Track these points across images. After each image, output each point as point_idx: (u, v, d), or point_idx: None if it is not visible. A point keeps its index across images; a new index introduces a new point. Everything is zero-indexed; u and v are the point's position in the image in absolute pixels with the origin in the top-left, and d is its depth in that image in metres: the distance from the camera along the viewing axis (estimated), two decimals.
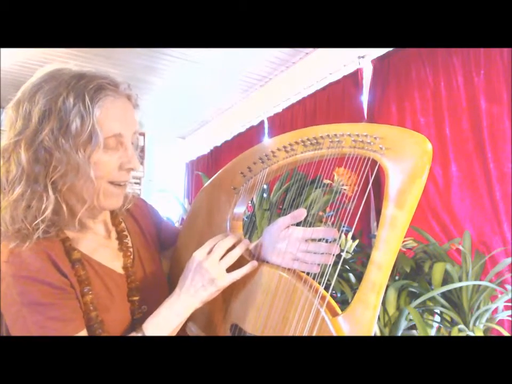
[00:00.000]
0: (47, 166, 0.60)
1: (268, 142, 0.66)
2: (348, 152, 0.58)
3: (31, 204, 0.60)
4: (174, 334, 0.64)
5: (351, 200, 0.62)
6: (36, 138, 0.59)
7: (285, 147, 0.64)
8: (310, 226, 0.66)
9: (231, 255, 0.64)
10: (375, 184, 2.11)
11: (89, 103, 0.59)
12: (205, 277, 0.62)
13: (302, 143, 0.62)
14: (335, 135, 0.58)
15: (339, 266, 0.63)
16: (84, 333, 0.61)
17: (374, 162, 0.56)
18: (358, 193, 0.66)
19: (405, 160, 0.53)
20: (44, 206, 0.60)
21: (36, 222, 0.60)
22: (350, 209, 0.61)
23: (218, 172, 0.73)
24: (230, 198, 0.71)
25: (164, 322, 0.63)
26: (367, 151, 0.56)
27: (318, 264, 0.63)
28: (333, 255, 0.62)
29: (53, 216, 0.62)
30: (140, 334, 0.62)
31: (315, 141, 0.61)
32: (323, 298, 0.59)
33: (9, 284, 0.58)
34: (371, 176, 0.57)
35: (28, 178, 0.60)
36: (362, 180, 0.58)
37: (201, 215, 0.76)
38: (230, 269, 0.64)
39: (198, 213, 0.77)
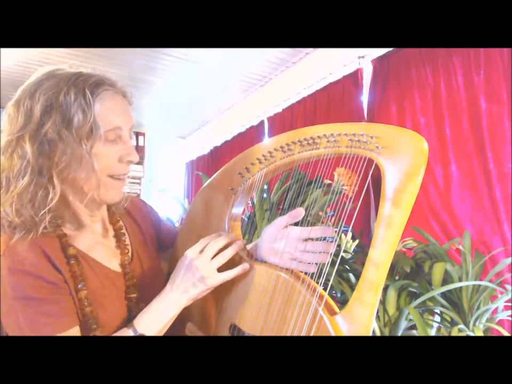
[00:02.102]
0: (51, 158, 0.62)
1: (265, 143, 0.66)
2: (344, 151, 0.58)
3: (36, 195, 0.61)
4: (165, 329, 0.65)
5: (350, 200, 0.62)
6: (39, 131, 0.61)
7: (282, 147, 0.64)
8: (309, 226, 0.66)
9: (223, 255, 0.64)
10: (375, 184, 2.11)
11: (90, 96, 0.61)
12: (195, 275, 0.63)
13: (299, 143, 0.62)
14: (332, 134, 0.59)
15: (337, 266, 0.63)
16: (76, 329, 0.61)
17: (372, 161, 0.56)
18: (356, 193, 0.66)
19: (401, 159, 0.53)
20: (50, 197, 0.61)
21: (42, 213, 0.61)
22: (347, 208, 0.61)
23: (216, 173, 0.73)
24: (227, 198, 0.71)
25: (154, 317, 0.64)
26: (364, 150, 0.56)
27: (316, 264, 0.63)
28: (330, 254, 0.62)
29: (56, 208, 0.63)
30: (131, 330, 0.63)
31: (312, 140, 0.61)
32: (321, 297, 0.59)
33: (3, 277, 0.59)
34: (369, 176, 0.57)
35: (33, 170, 0.61)
36: (359, 180, 0.58)
37: (199, 216, 0.76)
38: (224, 269, 0.64)
39: (196, 213, 0.77)
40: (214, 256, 0.64)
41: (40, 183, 0.61)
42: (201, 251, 0.64)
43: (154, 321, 0.64)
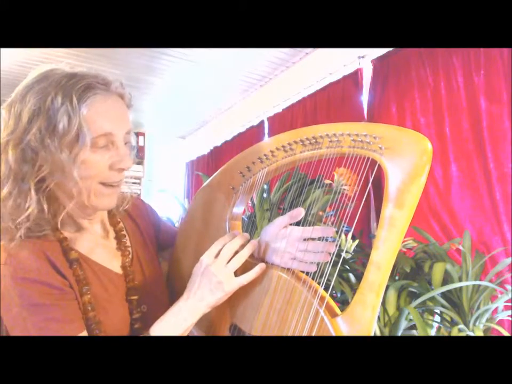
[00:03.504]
0: (34, 165, 0.60)
1: (267, 142, 0.66)
2: (347, 151, 0.58)
3: (16, 203, 0.60)
4: None
5: (351, 200, 0.62)
6: (23, 137, 0.59)
7: (283, 147, 0.63)
8: (310, 226, 0.66)
9: (239, 257, 0.63)
10: (375, 184, 2.11)
11: (76, 102, 0.59)
12: (212, 281, 0.62)
13: (301, 143, 0.62)
14: (334, 134, 0.58)
15: (339, 266, 0.63)
16: (84, 334, 0.61)
17: (374, 162, 0.56)
18: (358, 193, 0.66)
19: (405, 160, 0.53)
20: (27, 205, 0.60)
21: (19, 220, 0.60)
22: (349, 209, 0.61)
23: (217, 172, 0.73)
24: (228, 198, 0.71)
25: (171, 327, 0.63)
26: (367, 150, 0.56)
27: (317, 264, 0.63)
28: (332, 253, 0.62)
29: (41, 215, 0.62)
30: None
31: (314, 140, 0.60)
32: (322, 298, 0.59)
33: (8, 286, 0.58)
34: (371, 176, 0.57)
35: (16, 177, 0.60)
36: (362, 180, 0.58)
37: (199, 215, 0.76)
38: (236, 271, 0.64)
39: (196, 213, 0.76)
40: (230, 259, 0.63)
41: (22, 190, 0.60)
42: (216, 255, 0.63)
43: (171, 329, 0.62)
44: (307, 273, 0.63)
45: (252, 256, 0.69)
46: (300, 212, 0.65)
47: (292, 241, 0.65)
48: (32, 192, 0.60)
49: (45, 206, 0.62)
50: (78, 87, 0.60)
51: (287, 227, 0.67)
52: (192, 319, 0.63)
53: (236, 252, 0.64)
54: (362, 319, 0.54)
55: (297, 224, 0.68)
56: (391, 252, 0.53)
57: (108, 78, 0.64)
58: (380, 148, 0.54)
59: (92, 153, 0.61)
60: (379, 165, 0.55)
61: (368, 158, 0.56)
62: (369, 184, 0.62)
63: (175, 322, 0.63)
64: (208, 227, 0.73)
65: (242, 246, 0.65)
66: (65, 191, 0.64)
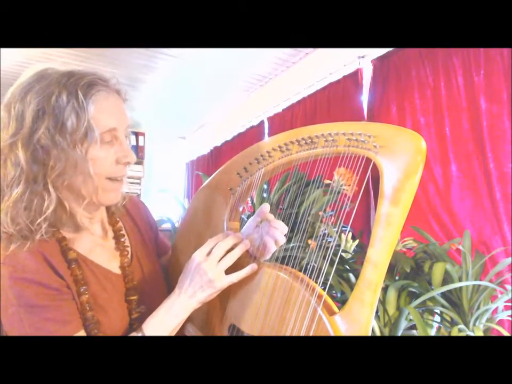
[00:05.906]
0: (46, 165, 0.60)
1: (263, 142, 0.66)
2: (342, 151, 0.58)
3: (31, 204, 0.60)
4: (173, 334, 0.64)
5: (348, 199, 0.63)
6: (32, 137, 0.59)
7: (280, 147, 0.64)
8: (310, 226, 0.66)
9: (230, 256, 0.64)
10: (375, 184, 2.11)
11: (83, 99, 0.59)
12: (203, 278, 0.63)
13: (297, 143, 0.62)
14: (330, 134, 0.59)
15: (335, 265, 0.63)
16: (81, 334, 0.61)
17: (370, 160, 0.56)
18: (356, 193, 0.66)
19: (399, 158, 0.53)
20: (45, 205, 0.60)
21: (38, 221, 0.60)
22: (346, 207, 0.61)
23: (215, 173, 0.73)
24: (226, 198, 0.71)
25: (163, 322, 0.63)
26: (362, 149, 0.56)
27: (314, 264, 0.64)
28: (329, 254, 0.62)
29: (53, 215, 0.62)
30: (139, 334, 0.62)
31: (310, 140, 0.61)
32: (320, 297, 0.59)
33: (5, 286, 0.58)
34: (368, 175, 0.57)
35: (27, 178, 0.60)
36: (358, 179, 0.58)
37: (199, 216, 0.76)
38: (229, 269, 0.64)
39: (195, 214, 0.77)
40: (222, 257, 0.64)
41: (35, 191, 0.60)
42: (209, 253, 0.64)
43: (163, 325, 0.63)
44: (305, 272, 0.63)
45: (249, 256, 0.70)
46: (264, 208, 0.71)
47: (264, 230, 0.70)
48: (51, 190, 0.61)
49: (66, 204, 0.63)
50: (82, 84, 0.60)
51: (258, 225, 0.72)
52: (184, 315, 0.64)
53: (230, 251, 0.65)
54: (360, 317, 0.55)
55: (296, 224, 0.69)
56: (388, 249, 0.53)
57: (105, 75, 0.65)
58: (375, 147, 0.55)
59: (99, 149, 0.62)
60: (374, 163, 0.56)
61: (364, 157, 0.56)
62: (365, 183, 0.62)
63: (167, 318, 0.63)
64: (207, 227, 0.73)
65: (236, 246, 0.65)
66: (72, 190, 0.64)
